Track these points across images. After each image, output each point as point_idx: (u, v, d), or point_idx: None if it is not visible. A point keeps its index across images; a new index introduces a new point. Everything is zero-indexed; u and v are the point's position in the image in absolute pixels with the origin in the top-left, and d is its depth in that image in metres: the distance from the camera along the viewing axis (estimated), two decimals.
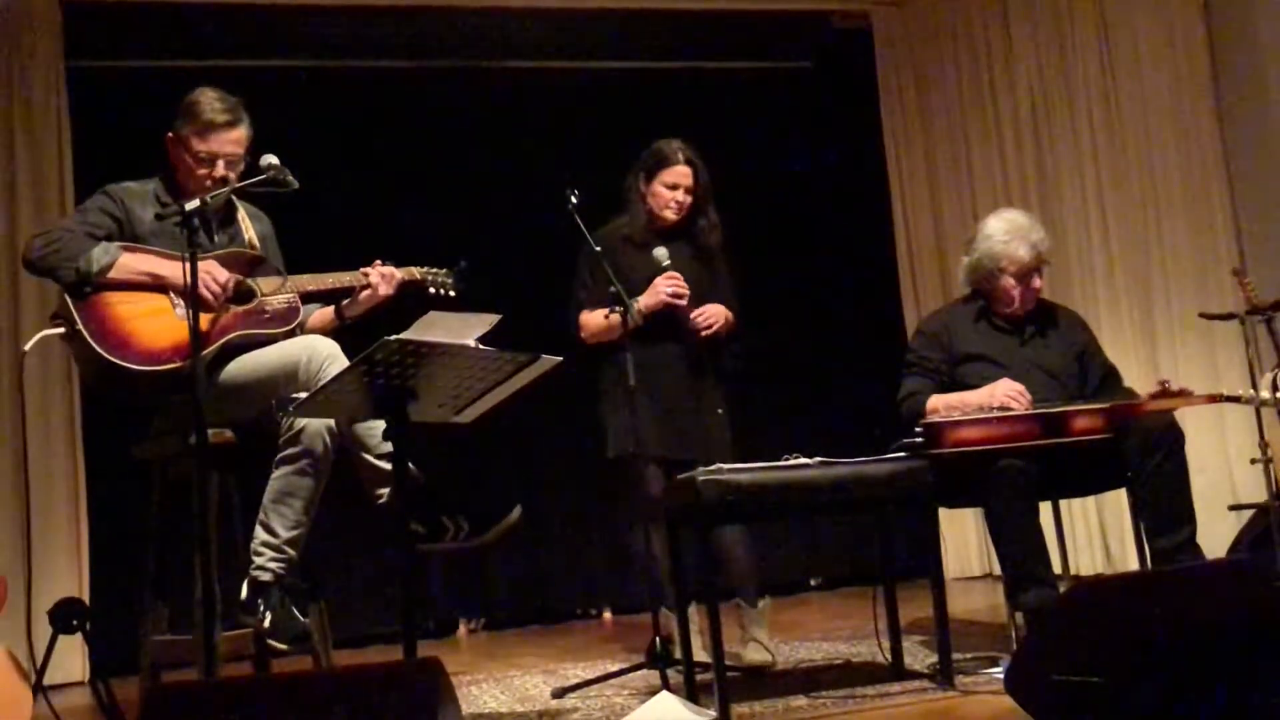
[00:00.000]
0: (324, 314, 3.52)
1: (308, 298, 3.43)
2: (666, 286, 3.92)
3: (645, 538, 3.75)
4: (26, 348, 3.37)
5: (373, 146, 5.98)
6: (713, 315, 3.99)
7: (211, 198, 3.18)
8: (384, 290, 3.43)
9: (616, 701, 3.46)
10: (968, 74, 6.30)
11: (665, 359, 3.97)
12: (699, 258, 4.10)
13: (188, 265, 2.89)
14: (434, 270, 3.59)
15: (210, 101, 3.34)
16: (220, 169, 3.33)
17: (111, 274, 3.15)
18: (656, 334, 3.94)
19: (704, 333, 3.96)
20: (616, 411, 3.93)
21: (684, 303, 3.93)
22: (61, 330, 3.18)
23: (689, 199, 4.05)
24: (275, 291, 3.33)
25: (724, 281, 4.16)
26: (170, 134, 3.37)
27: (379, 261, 3.46)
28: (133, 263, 3.19)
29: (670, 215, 4.05)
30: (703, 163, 4.08)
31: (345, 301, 3.48)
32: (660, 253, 3.95)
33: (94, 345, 3.07)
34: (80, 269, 3.12)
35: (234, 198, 3.45)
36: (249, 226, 3.48)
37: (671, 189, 4.04)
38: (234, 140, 3.34)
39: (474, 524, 3.13)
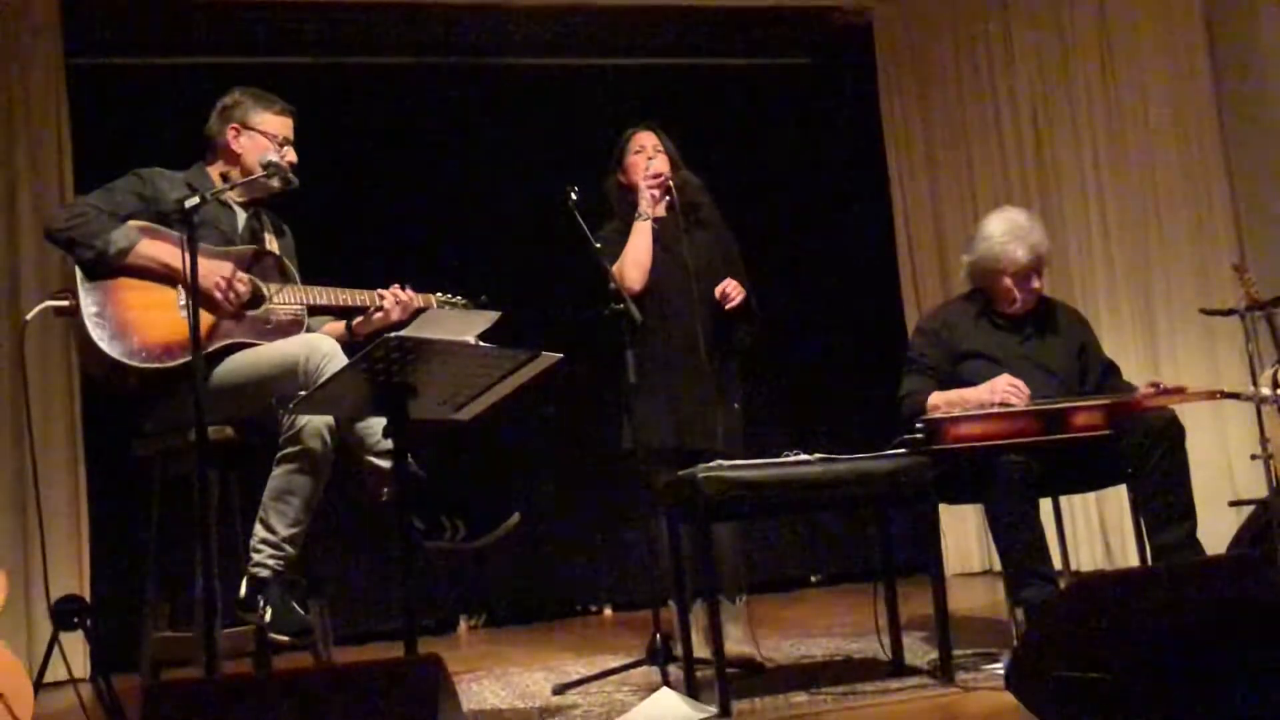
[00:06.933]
0: (335, 327, 3.50)
1: (317, 310, 3.42)
2: (648, 177, 4.03)
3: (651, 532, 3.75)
4: (28, 317, 3.34)
5: (373, 143, 5.97)
6: (734, 288, 3.98)
7: (212, 194, 3.18)
8: (396, 316, 3.41)
9: (617, 698, 3.47)
10: (968, 72, 6.30)
11: (685, 350, 3.95)
12: (702, 226, 4.10)
13: (202, 262, 2.88)
14: (451, 299, 3.55)
15: (266, 92, 3.48)
16: (291, 154, 3.42)
17: (128, 258, 3.15)
18: (677, 325, 3.95)
19: (729, 305, 3.96)
20: (633, 406, 3.93)
21: (664, 177, 4.03)
22: (65, 303, 3.17)
23: (660, 156, 4.10)
24: (281, 292, 3.31)
25: (735, 260, 4.15)
26: (234, 125, 3.40)
27: (398, 285, 3.44)
28: (150, 250, 3.19)
29: (651, 175, 4.05)
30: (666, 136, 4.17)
31: (358, 319, 3.46)
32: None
33: (89, 329, 3.08)
34: (97, 248, 3.13)
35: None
36: (271, 236, 3.48)
37: (638, 152, 4.12)
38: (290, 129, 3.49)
39: (473, 525, 3.12)
